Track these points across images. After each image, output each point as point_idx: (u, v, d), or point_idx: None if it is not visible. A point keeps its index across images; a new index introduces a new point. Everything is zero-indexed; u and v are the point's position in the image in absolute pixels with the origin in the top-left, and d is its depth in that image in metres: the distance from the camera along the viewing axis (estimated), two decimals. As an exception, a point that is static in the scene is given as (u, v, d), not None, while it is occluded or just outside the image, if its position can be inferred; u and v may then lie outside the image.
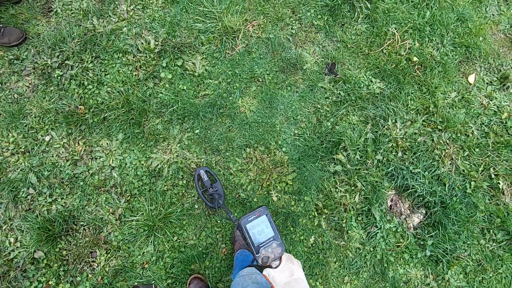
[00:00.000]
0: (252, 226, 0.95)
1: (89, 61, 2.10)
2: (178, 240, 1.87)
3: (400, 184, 2.06)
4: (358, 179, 2.05)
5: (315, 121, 2.17)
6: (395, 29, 2.44)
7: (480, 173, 2.15)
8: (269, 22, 2.37)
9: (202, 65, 2.17)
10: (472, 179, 2.13)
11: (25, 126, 1.94)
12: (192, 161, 1.98)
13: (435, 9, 2.53)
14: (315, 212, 1.98)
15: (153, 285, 1.03)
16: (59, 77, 2.04)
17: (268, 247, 0.92)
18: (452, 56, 2.45)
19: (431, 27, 2.49)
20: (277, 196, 1.98)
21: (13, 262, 1.74)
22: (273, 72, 2.23)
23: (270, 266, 0.92)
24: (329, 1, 2.42)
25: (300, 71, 2.27)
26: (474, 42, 2.50)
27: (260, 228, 0.95)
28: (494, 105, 2.36)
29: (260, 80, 2.21)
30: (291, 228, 1.95)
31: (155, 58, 2.15)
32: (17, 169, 1.88)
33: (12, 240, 1.77)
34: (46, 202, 1.83)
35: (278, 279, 0.88)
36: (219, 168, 2.01)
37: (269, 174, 2.01)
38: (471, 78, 2.44)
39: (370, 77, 2.32)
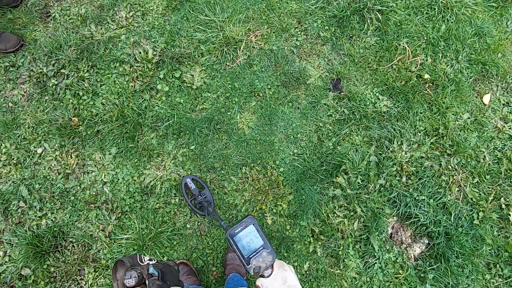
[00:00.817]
0: (240, 238, 0.91)
1: (85, 70, 2.00)
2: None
3: (402, 212, 1.92)
4: (358, 204, 1.92)
5: (316, 140, 2.03)
6: (407, 43, 2.25)
7: (490, 203, 1.99)
8: (273, 32, 2.22)
9: (201, 78, 2.05)
10: (481, 209, 1.96)
11: (18, 136, 1.87)
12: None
13: (451, 22, 2.33)
14: (311, 238, 1.86)
15: (138, 254, 1.01)
16: (54, 86, 1.96)
17: (259, 257, 0.89)
18: (467, 73, 2.26)
19: (445, 42, 2.29)
20: (272, 219, 1.87)
21: (1, 276, 1.69)
22: (274, 87, 2.10)
23: (262, 276, 0.90)
24: (337, 12, 2.25)
25: (303, 86, 2.13)
26: (491, 59, 2.29)
27: (248, 238, 0.91)
28: (510, 128, 2.18)
29: (261, 94, 2.08)
30: (285, 254, 1.84)
31: (153, 68, 2.04)
32: (9, 181, 1.81)
33: (1, 253, 1.72)
34: (36, 216, 1.77)
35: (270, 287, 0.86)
36: (213, 186, 1.91)
37: (265, 195, 1.90)
38: (486, 98, 2.25)
39: (377, 94, 2.15)
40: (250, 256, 0.90)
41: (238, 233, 0.91)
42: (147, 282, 0.96)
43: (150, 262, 1.04)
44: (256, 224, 0.93)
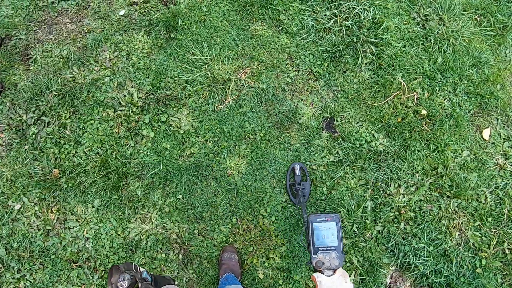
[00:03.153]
0: (318, 227, 0.86)
1: (67, 117, 1.81)
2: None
3: (401, 262, 1.73)
4: (354, 254, 1.73)
5: (310, 185, 1.84)
6: (402, 77, 2.05)
7: (492, 248, 1.80)
8: (264, 69, 2.02)
9: (188, 121, 1.86)
10: (483, 255, 1.77)
11: (-4, 191, 1.69)
12: (173, 232, 1.69)
13: (448, 53, 2.13)
14: (305, 293, 1.68)
15: (134, 264, 0.97)
16: (34, 135, 1.77)
17: (327, 254, 0.84)
18: (465, 107, 2.06)
19: (442, 75, 2.09)
20: (264, 273, 1.68)
21: None
22: (265, 128, 1.90)
23: (322, 272, 0.84)
24: (329, 46, 2.05)
25: (295, 126, 1.93)
26: (490, 91, 2.09)
27: (325, 232, 0.87)
28: (511, 165, 1.98)
29: (251, 137, 1.88)
30: (278, 310, 1.65)
31: (138, 112, 1.85)
32: (-15, 239, 1.64)
33: (-23, 320, 1.55)
34: (14, 278, 1.58)
35: (326, 286, 0.80)
36: (201, 238, 1.72)
37: (256, 247, 1.71)
38: (486, 133, 2.05)
39: (372, 132, 1.96)
40: (319, 248, 0.85)
41: (319, 221, 0.86)
42: (139, 285, 0.94)
43: (145, 270, 1.03)
44: (339, 224, 0.88)
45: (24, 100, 1.81)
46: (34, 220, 1.65)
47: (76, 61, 1.92)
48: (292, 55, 2.05)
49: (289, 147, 1.88)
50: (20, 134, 1.76)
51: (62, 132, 1.77)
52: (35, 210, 1.66)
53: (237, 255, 1.63)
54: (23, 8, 2.01)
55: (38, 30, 2.00)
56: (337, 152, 1.88)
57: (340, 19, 2.07)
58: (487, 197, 1.87)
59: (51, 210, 1.67)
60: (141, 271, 1.01)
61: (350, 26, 2.07)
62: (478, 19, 2.23)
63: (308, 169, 1.84)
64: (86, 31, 2.00)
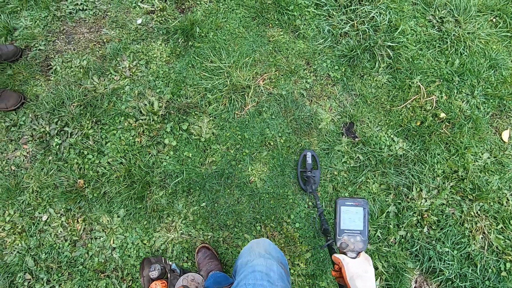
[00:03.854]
0: (346, 210, 0.86)
1: (89, 127, 1.80)
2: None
3: (426, 266, 1.71)
4: (379, 259, 1.71)
5: (331, 191, 1.82)
6: (420, 81, 2.03)
7: (516, 251, 1.77)
8: (282, 75, 2.00)
9: (209, 128, 1.84)
10: (507, 258, 1.74)
11: (22, 202, 1.68)
12: (198, 240, 1.68)
13: (465, 55, 2.10)
14: (331, 299, 1.66)
15: (163, 257, 0.99)
16: (57, 146, 1.75)
17: (352, 237, 0.84)
18: (484, 109, 2.03)
19: (460, 77, 2.06)
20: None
21: None
22: (285, 134, 1.88)
23: (345, 253, 0.84)
24: (346, 51, 2.03)
25: (315, 131, 1.91)
26: (508, 93, 2.05)
27: (352, 216, 0.86)
28: (531, 166, 1.95)
29: (272, 143, 1.86)
30: (305, 316, 1.64)
31: (159, 121, 1.83)
32: (14, 251, 1.62)
33: (8, 331, 1.54)
34: (43, 289, 1.58)
35: (353, 269, 0.79)
36: (226, 245, 1.70)
37: (281, 254, 1.69)
38: (505, 135, 2.02)
39: (392, 136, 1.93)
40: (344, 231, 0.84)
41: (347, 205, 0.86)
42: (169, 275, 0.96)
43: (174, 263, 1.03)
44: (366, 210, 0.87)
45: (47, 111, 1.79)
46: (61, 231, 1.64)
47: (96, 71, 1.90)
48: (309, 60, 2.02)
49: (310, 153, 1.86)
50: (43, 145, 1.75)
51: (85, 142, 1.76)
52: (62, 221, 1.65)
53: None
54: (42, 19, 1.99)
55: (57, 41, 1.98)
56: (358, 157, 1.85)
57: (356, 23, 2.04)
58: (508, 200, 1.84)
59: (77, 221, 1.66)
60: (170, 263, 1.03)
61: (367, 30, 2.04)
62: (494, 20, 2.20)
63: (329, 174, 1.82)
64: (105, 40, 1.98)
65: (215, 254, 1.61)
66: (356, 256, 0.83)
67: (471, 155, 1.90)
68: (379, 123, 1.94)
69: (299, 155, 1.82)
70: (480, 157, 1.92)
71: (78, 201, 1.67)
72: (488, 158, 1.92)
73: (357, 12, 2.07)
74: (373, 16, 2.05)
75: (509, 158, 1.92)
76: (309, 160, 1.71)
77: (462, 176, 1.86)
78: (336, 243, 0.85)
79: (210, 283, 1.31)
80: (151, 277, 0.94)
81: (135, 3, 2.05)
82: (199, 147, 1.80)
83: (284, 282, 0.95)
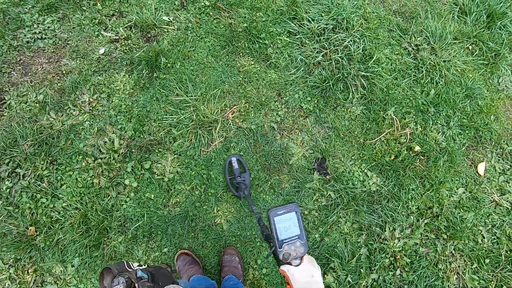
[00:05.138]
0: (279, 220, 0.83)
1: (44, 167, 1.64)
2: None
3: (398, 313, 1.60)
4: (350, 306, 1.59)
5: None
6: (394, 112, 1.92)
7: (491, 292, 1.68)
8: (252, 107, 1.87)
9: (173, 167, 1.70)
10: (482, 300, 1.65)
11: (-33, 253, 1.52)
12: None
13: (441, 85, 2.00)
14: None
15: (125, 261, 0.84)
16: (8, 189, 1.60)
17: (292, 245, 0.81)
18: (459, 140, 1.93)
19: (435, 108, 1.95)
20: (255, 330, 1.54)
21: None
22: (254, 172, 1.76)
23: (290, 264, 0.80)
24: (319, 82, 1.91)
25: (286, 168, 1.78)
26: (484, 123, 1.96)
27: (287, 223, 0.83)
28: (507, 201, 1.85)
29: (240, 182, 1.73)
30: None
31: (119, 160, 1.69)
32: (-43, 307, 1.47)
33: None
34: None
35: (298, 277, 0.76)
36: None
37: (247, 302, 1.57)
38: (481, 168, 1.92)
39: (365, 170, 1.82)
40: (284, 241, 0.81)
41: (279, 215, 0.83)
42: (136, 285, 0.83)
43: (139, 268, 0.91)
44: (298, 213, 0.85)
45: (-2, 151, 1.64)
46: (8, 284, 1.49)
47: (54, 105, 1.75)
48: (280, 91, 1.90)
49: (280, 191, 1.73)
50: (-7, 189, 1.59)
51: (39, 185, 1.60)
52: (10, 273, 1.50)
53: (238, 257, 1.54)
54: (-3, 49, 1.83)
55: (12, 72, 1.82)
56: (329, 195, 1.73)
57: (329, 52, 1.92)
58: (484, 237, 1.74)
59: (28, 272, 1.51)
60: (135, 268, 0.90)
61: (340, 59, 1.92)
62: (470, 47, 2.10)
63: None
64: (64, 72, 1.82)
65: (195, 259, 1.53)
66: (300, 262, 0.81)
67: (446, 190, 1.80)
68: (352, 157, 1.82)
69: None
70: (456, 192, 1.82)
71: (28, 250, 1.52)
72: (464, 193, 1.82)
73: (330, 40, 1.95)
74: (347, 45, 1.94)
75: (485, 193, 1.83)
76: (235, 165, 1.64)
77: (436, 212, 1.76)
78: (279, 257, 0.81)
79: (194, 283, 1.25)
80: None
81: (98, 31, 1.90)
82: (162, 187, 1.66)
83: None
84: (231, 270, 1.49)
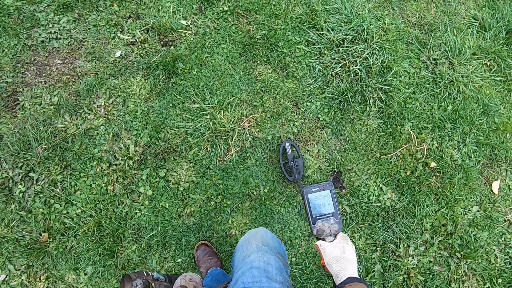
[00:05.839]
0: (314, 197, 0.84)
1: (58, 172, 1.60)
2: None
3: (411, 330, 1.59)
4: (362, 322, 1.58)
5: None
6: (412, 127, 1.89)
7: (503, 312, 1.67)
8: (268, 117, 1.83)
9: (188, 176, 1.67)
10: (494, 320, 1.64)
11: (-21, 258, 1.49)
12: (172, 300, 1.52)
13: (458, 100, 1.97)
14: None
15: (145, 271, 0.87)
16: (21, 194, 1.56)
17: (326, 222, 0.82)
18: (475, 158, 1.91)
19: (452, 124, 1.92)
20: None
21: None
22: (270, 183, 1.72)
23: (323, 239, 0.82)
24: (337, 94, 1.87)
25: (302, 180, 1.76)
26: (500, 141, 1.93)
27: (321, 201, 0.84)
28: (520, 220, 1.84)
29: (255, 193, 1.70)
30: None
31: (134, 167, 1.65)
32: (-33, 313, 1.43)
33: None
34: None
35: (329, 251, 0.78)
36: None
37: (260, 315, 1.55)
38: (496, 186, 1.90)
39: (380, 185, 1.79)
40: (317, 217, 0.82)
41: (313, 192, 0.84)
42: (153, 285, 0.87)
43: (160, 276, 0.94)
44: (333, 191, 0.85)
45: (11, 154, 1.59)
46: (20, 291, 1.45)
47: (68, 108, 1.70)
48: (298, 101, 1.86)
49: (295, 204, 1.71)
50: (5, 193, 1.55)
51: (52, 190, 1.56)
52: (22, 280, 1.46)
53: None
54: (10, 48, 1.78)
55: (26, 72, 1.77)
56: (344, 209, 1.71)
57: (348, 63, 1.88)
58: (496, 257, 1.73)
59: (40, 279, 1.47)
60: (151, 274, 0.94)
61: (359, 71, 1.88)
62: (488, 63, 2.07)
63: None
64: (79, 74, 1.77)
65: (214, 251, 1.53)
66: (334, 239, 0.82)
67: (461, 208, 1.78)
68: (368, 171, 1.79)
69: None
70: (470, 210, 1.79)
71: (41, 256, 1.48)
72: (478, 211, 1.80)
73: (349, 51, 1.91)
74: (366, 57, 1.90)
75: (498, 212, 1.81)
76: (289, 150, 1.64)
77: (450, 230, 1.74)
78: (312, 232, 0.83)
79: (209, 281, 1.24)
80: None
81: (114, 33, 1.85)
82: (177, 196, 1.63)
83: (283, 276, 0.91)
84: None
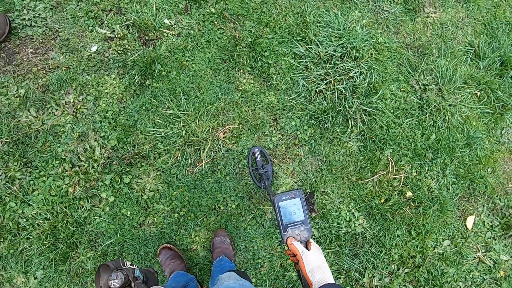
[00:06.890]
0: (284, 205, 0.85)
1: (17, 169, 1.52)
2: None
3: None
4: None
5: (279, 267, 1.61)
6: (391, 154, 1.81)
7: None
8: (245, 129, 1.75)
9: (154, 184, 1.59)
10: None
11: None
12: (123, 312, 1.46)
13: (442, 130, 1.89)
14: None
15: (121, 259, 0.89)
16: (-25, 188, 1.48)
17: (296, 229, 0.84)
18: (453, 190, 1.84)
19: (434, 154, 1.85)
20: None
21: None
22: (238, 199, 1.65)
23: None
24: (319, 112, 1.79)
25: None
26: (480, 176, 1.87)
27: (291, 209, 0.85)
28: (491, 258, 1.79)
29: (222, 208, 1.63)
30: None
31: (98, 171, 1.57)
32: None
33: None
34: None
35: (310, 259, 0.77)
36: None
37: (213, 335, 1.50)
38: (470, 222, 1.84)
39: (353, 210, 1.73)
40: (288, 225, 0.84)
41: (284, 200, 0.85)
42: (132, 284, 0.85)
43: (133, 267, 0.92)
44: (303, 199, 0.86)
45: (-31, 145, 1.50)
46: (-35, 290, 1.38)
47: (35, 102, 1.60)
48: (277, 116, 1.78)
49: (262, 223, 1.64)
50: (-41, 186, 1.47)
51: (9, 187, 1.48)
52: (-33, 279, 1.39)
53: (229, 238, 1.52)
54: (-20, 31, 1.66)
55: (-5, 59, 1.66)
56: (313, 232, 1.65)
57: (334, 81, 1.80)
58: (462, 293, 1.68)
59: (-13, 279, 1.40)
60: (127, 266, 0.90)
61: (344, 90, 1.80)
62: (479, 94, 1.99)
63: (279, 249, 1.61)
64: (51, 66, 1.67)
65: (178, 254, 1.47)
66: (305, 246, 0.82)
67: (432, 240, 1.72)
68: (342, 195, 1.73)
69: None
70: (441, 243, 1.74)
71: (-10, 257, 1.41)
72: (449, 245, 1.74)
73: (336, 68, 1.82)
74: (353, 76, 1.81)
75: (469, 248, 1.75)
76: (258, 156, 1.61)
77: (419, 263, 1.68)
78: (283, 239, 0.83)
79: (169, 285, 1.24)
80: (111, 286, 0.79)
81: (92, 26, 1.74)
82: (140, 204, 1.55)
83: None
84: (223, 251, 1.47)
